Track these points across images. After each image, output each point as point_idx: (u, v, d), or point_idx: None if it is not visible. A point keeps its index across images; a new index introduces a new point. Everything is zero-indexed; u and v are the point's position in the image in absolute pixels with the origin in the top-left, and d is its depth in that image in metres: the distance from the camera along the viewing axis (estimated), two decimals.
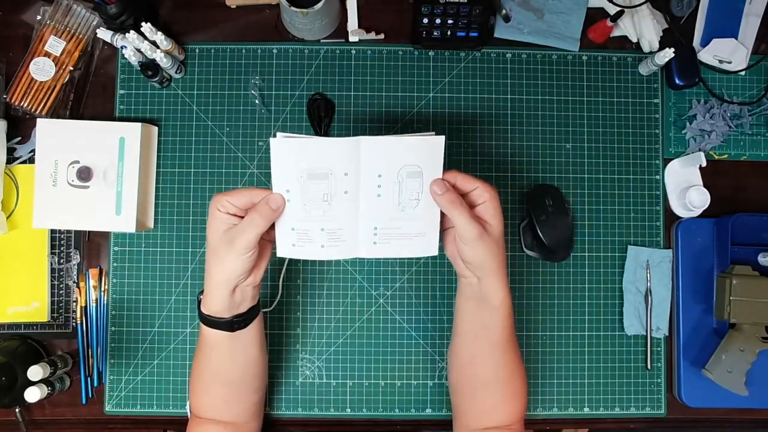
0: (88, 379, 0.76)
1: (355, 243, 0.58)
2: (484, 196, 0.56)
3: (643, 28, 0.80)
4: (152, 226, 0.78)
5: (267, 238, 0.58)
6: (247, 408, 0.66)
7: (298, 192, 0.55)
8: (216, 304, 0.57)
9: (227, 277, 0.55)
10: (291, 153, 0.53)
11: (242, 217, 0.55)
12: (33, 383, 0.69)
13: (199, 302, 0.60)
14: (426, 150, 0.55)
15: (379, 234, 0.58)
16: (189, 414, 0.67)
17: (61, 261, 0.78)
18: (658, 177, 0.80)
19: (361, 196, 0.56)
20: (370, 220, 0.57)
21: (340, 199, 0.55)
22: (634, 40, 0.81)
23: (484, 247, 0.55)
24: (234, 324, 0.59)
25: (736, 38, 0.80)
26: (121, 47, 0.73)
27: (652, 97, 0.81)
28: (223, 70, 0.79)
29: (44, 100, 0.76)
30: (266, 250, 0.60)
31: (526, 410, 0.65)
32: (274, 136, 0.55)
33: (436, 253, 0.59)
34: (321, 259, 0.59)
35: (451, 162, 0.79)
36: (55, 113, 0.77)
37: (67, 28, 0.76)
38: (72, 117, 0.78)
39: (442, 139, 0.54)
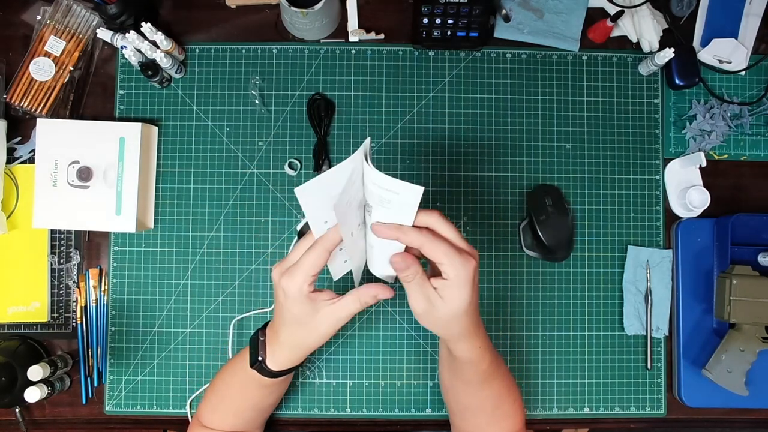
0: (88, 379, 0.76)
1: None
2: (448, 273, 0.50)
3: (643, 28, 0.80)
4: (152, 226, 0.78)
5: None
6: (259, 425, 0.68)
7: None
8: (293, 362, 0.57)
9: (318, 344, 0.55)
10: (317, 193, 0.49)
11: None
12: (33, 383, 0.69)
13: (257, 343, 0.58)
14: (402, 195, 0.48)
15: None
16: (190, 416, 0.67)
17: (61, 261, 0.77)
18: (658, 177, 0.80)
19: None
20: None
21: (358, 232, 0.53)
22: (634, 40, 0.81)
23: (430, 324, 0.53)
24: (297, 369, 0.59)
25: (736, 38, 0.80)
26: (121, 47, 0.73)
27: (652, 97, 0.81)
28: (223, 70, 0.80)
29: (44, 100, 0.76)
30: None
31: (525, 416, 0.65)
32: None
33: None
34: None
35: (451, 162, 0.79)
36: (55, 113, 0.77)
37: (67, 28, 0.76)
38: (72, 117, 0.78)
39: (420, 190, 0.47)
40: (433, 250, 0.49)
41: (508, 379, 0.63)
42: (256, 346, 0.58)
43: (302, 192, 0.48)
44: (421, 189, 0.47)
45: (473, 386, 0.60)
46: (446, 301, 0.51)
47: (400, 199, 0.48)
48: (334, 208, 0.48)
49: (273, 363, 0.57)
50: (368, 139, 0.48)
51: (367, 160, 0.47)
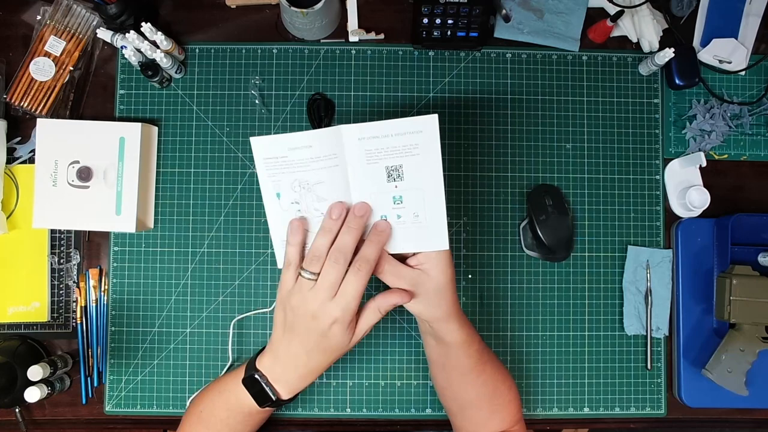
0: (88, 379, 0.76)
1: None
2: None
3: (643, 28, 0.80)
4: (152, 226, 0.78)
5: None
6: None
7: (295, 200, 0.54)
8: (295, 391, 0.55)
9: (327, 366, 0.55)
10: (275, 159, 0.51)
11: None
12: (33, 383, 0.69)
13: (253, 378, 0.56)
14: (416, 133, 0.50)
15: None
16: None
17: (61, 261, 0.77)
18: (658, 177, 0.80)
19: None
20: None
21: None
22: (634, 40, 0.81)
23: (423, 304, 0.54)
24: (291, 400, 0.58)
25: (736, 38, 0.80)
26: (121, 47, 0.73)
27: (652, 97, 0.81)
28: (223, 70, 0.80)
29: (44, 100, 0.76)
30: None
31: (522, 410, 0.65)
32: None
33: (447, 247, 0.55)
34: None
35: (451, 162, 0.79)
36: (55, 113, 0.77)
37: (67, 28, 0.76)
38: (72, 117, 0.78)
39: (434, 117, 0.49)
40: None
41: (499, 364, 0.64)
42: (253, 383, 0.56)
43: (258, 144, 0.50)
44: (435, 115, 0.50)
45: (469, 374, 0.60)
46: (431, 275, 0.54)
47: (424, 137, 0.50)
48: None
49: (286, 392, 0.56)
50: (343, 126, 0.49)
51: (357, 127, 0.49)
